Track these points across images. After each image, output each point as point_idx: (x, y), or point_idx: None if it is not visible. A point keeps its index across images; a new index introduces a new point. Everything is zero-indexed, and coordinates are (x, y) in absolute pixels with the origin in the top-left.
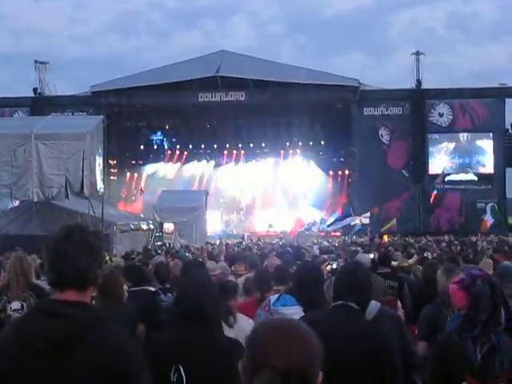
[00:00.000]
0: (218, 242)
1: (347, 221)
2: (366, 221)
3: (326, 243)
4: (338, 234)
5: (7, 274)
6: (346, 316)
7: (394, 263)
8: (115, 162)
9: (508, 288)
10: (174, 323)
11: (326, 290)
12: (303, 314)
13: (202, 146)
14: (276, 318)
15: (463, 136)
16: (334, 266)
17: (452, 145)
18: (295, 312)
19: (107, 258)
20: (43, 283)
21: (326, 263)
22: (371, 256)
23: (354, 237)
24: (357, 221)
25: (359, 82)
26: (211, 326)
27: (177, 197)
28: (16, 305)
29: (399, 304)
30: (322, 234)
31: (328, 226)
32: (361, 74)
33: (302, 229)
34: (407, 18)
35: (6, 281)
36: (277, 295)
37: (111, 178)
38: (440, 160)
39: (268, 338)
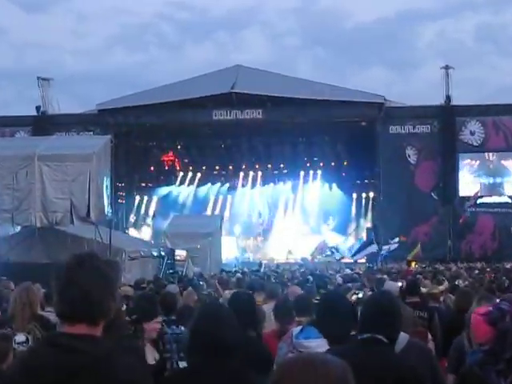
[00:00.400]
0: (233, 269)
1: (369, 249)
2: (394, 246)
3: (348, 271)
4: (362, 260)
5: (12, 304)
6: (375, 350)
7: (423, 289)
8: (123, 184)
9: None
10: (189, 359)
11: None
12: (328, 347)
13: (217, 168)
14: (301, 355)
15: (488, 154)
16: (360, 295)
17: (475, 163)
18: (319, 345)
19: None
20: (49, 314)
21: (351, 292)
22: (399, 284)
23: (380, 264)
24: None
25: (385, 99)
26: (229, 362)
27: (189, 222)
28: (20, 338)
29: (430, 337)
30: (349, 260)
31: (353, 255)
32: (385, 90)
33: (323, 255)
34: (434, 29)
35: (11, 312)
36: (299, 327)
37: (119, 201)
38: (463, 177)
39: (289, 375)
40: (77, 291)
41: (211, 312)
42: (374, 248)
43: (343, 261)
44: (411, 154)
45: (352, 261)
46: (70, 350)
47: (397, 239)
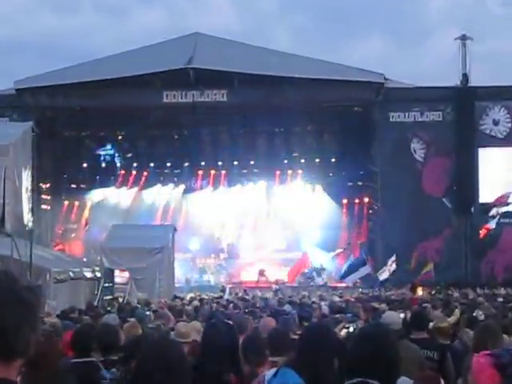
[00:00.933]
0: (188, 296)
1: (363, 271)
2: (393, 268)
3: (337, 298)
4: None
5: None
6: None
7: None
8: (49, 185)
9: None
10: None
11: None
12: None
13: (168, 165)
14: None
15: None
16: (352, 329)
17: (498, 158)
18: None
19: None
20: None
21: (341, 326)
22: (402, 316)
23: (377, 289)
24: (368, 269)
25: (385, 78)
26: None
27: (133, 234)
28: None
29: (442, 383)
30: (338, 284)
31: (342, 277)
32: (385, 67)
33: (304, 278)
34: None
35: None
36: (273, 370)
37: (43, 207)
38: (483, 178)
39: None
40: None
41: (159, 351)
42: (367, 269)
43: (330, 285)
44: (418, 149)
45: (343, 285)
46: None
47: (393, 257)
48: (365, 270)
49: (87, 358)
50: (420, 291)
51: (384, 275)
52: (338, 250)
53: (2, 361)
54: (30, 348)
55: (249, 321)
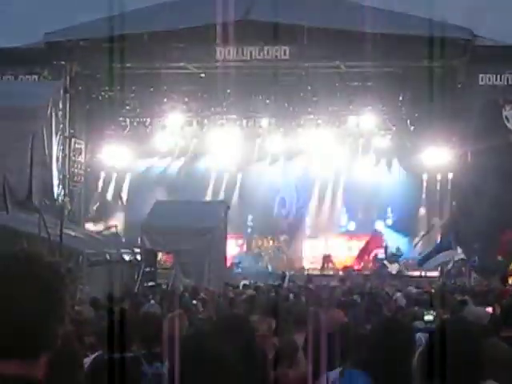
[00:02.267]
0: (242, 283)
1: (443, 256)
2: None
3: (412, 288)
4: (435, 273)
5: None
6: None
7: None
8: (83, 154)
9: None
10: None
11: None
12: None
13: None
14: None
15: None
16: (428, 317)
17: None
18: None
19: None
20: None
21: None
22: (489, 310)
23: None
24: (458, 255)
25: (473, 34)
26: None
27: (179, 211)
28: None
29: None
30: (414, 272)
31: (420, 261)
32: (473, 21)
33: (377, 262)
34: None
35: None
36: (338, 370)
37: (76, 179)
38: None
39: None
40: (4, 309)
41: (195, 348)
42: (445, 256)
43: (408, 273)
44: (511, 117)
45: (423, 273)
46: None
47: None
48: (448, 255)
49: (126, 352)
50: None
51: (472, 260)
52: (420, 234)
53: (25, 357)
54: (56, 341)
55: (312, 313)
